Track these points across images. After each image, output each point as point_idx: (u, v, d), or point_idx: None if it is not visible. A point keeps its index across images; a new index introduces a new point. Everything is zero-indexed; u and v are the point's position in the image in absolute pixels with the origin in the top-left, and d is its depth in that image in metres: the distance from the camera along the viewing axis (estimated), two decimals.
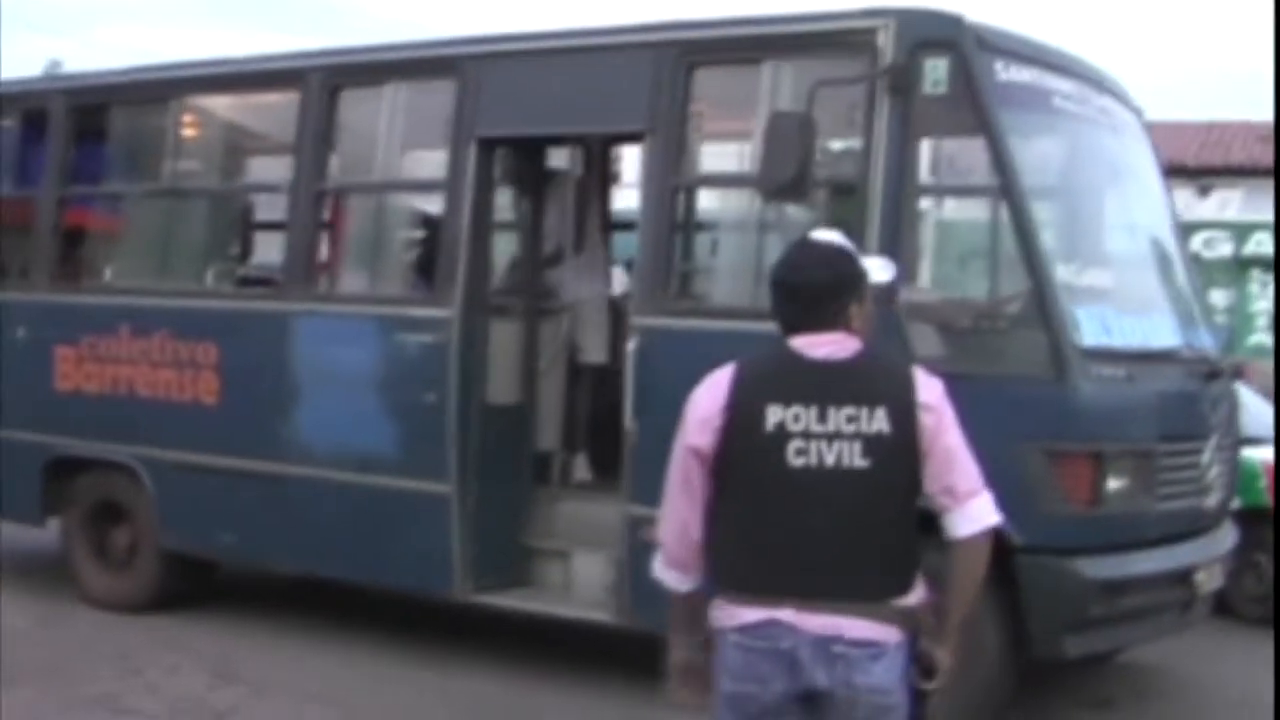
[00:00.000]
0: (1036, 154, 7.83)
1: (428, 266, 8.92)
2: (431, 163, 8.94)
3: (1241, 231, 21.71)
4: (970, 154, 7.40)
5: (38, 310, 10.13)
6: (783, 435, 3.87)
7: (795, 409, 3.87)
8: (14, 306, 10.21)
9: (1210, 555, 8.00)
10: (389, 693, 8.10)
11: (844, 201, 7.62)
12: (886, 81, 7.23)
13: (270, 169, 9.86)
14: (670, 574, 4.15)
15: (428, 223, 9.10)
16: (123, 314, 9.68)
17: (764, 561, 3.93)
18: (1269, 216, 21.02)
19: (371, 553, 8.70)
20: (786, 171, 7.07)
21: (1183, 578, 7.69)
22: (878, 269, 4.26)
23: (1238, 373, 8.79)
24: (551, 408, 8.97)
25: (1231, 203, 21.70)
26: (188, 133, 10.04)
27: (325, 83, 9.03)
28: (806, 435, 3.85)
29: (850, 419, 3.86)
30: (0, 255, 10.66)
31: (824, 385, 3.90)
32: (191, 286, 9.98)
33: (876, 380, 3.95)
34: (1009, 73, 7.44)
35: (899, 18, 7.30)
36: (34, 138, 10.34)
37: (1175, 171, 21.96)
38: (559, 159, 9.61)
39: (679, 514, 4.08)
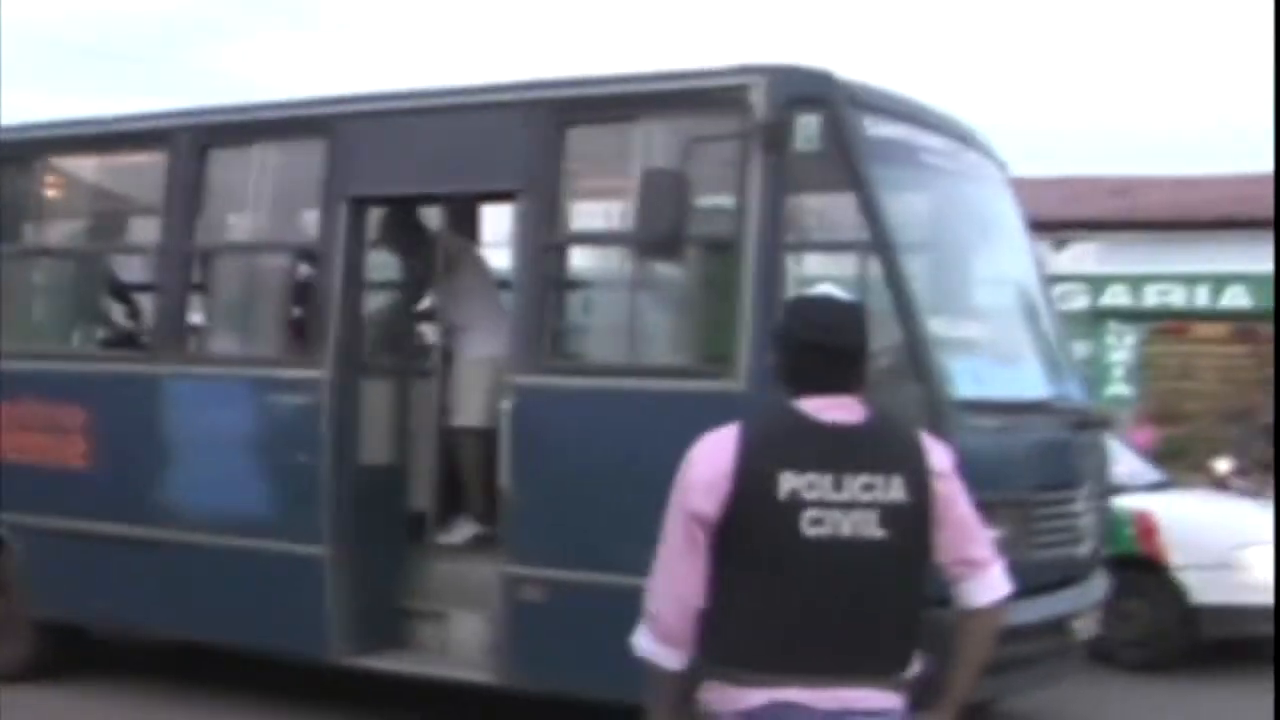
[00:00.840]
0: (906, 208, 7.92)
1: (299, 327, 8.85)
2: (303, 223, 8.89)
3: (1097, 284, 22.24)
4: (842, 209, 7.43)
5: None
6: (797, 504, 3.67)
7: (810, 476, 3.68)
8: None
9: (1085, 603, 8.13)
10: None
11: (718, 257, 7.67)
12: (759, 138, 7.29)
13: (140, 230, 9.71)
14: (662, 650, 3.89)
15: (299, 283, 9.02)
16: None
17: (771, 639, 3.73)
18: (1123, 269, 21.53)
19: (245, 616, 8.61)
20: (662, 227, 7.15)
21: (1059, 626, 7.80)
22: None
23: (1104, 423, 8.88)
24: (425, 468, 8.91)
25: (1087, 256, 22.12)
26: (52, 193, 9.96)
27: (193, 142, 8.99)
28: (822, 504, 3.67)
29: (866, 487, 3.70)
30: None
31: (839, 451, 3.73)
32: (57, 349, 9.85)
33: (891, 447, 3.81)
34: (878, 128, 7.54)
35: (771, 75, 7.38)
36: None
37: (1033, 226, 22.51)
38: (433, 218, 9.58)
39: (679, 584, 3.82)
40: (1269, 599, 10.43)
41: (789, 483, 3.65)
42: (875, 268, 7.25)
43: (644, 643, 3.91)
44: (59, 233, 10.07)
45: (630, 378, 7.66)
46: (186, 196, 8.97)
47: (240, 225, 9.21)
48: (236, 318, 9.28)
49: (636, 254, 7.52)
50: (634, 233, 7.32)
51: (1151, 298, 22.59)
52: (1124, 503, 10.79)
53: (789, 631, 3.69)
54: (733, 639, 3.76)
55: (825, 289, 4.13)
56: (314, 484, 8.29)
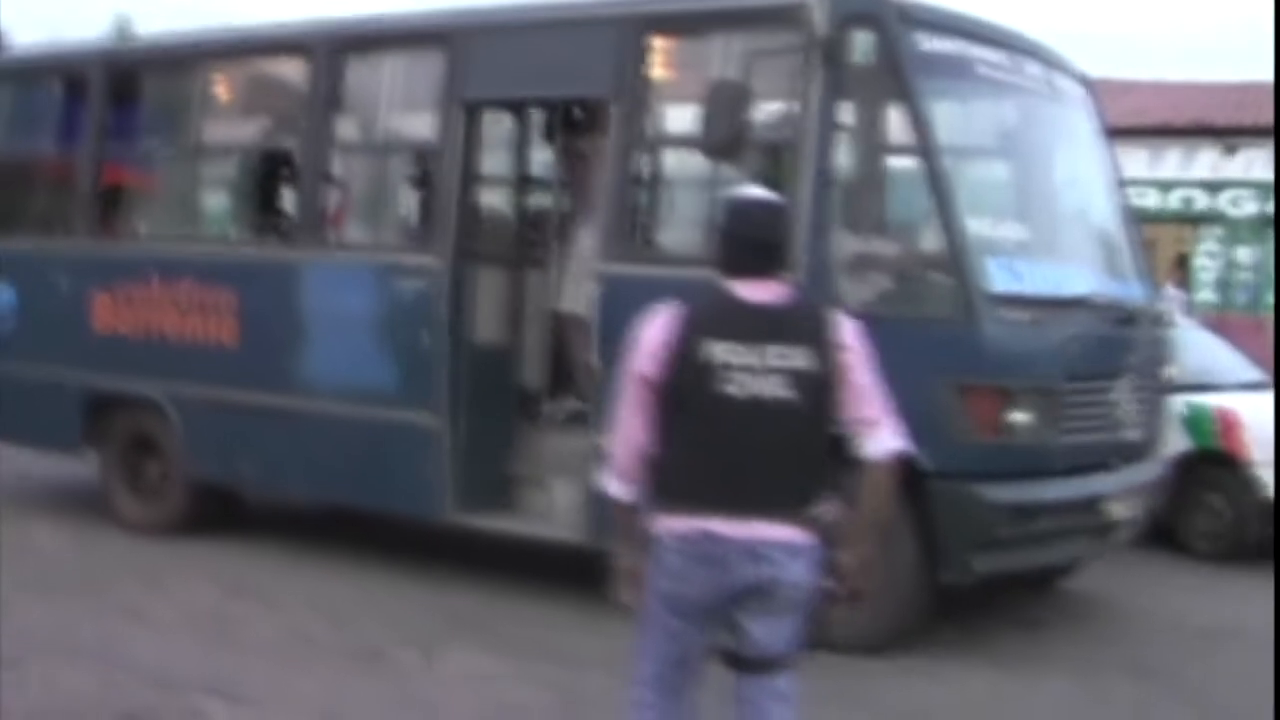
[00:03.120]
0: (956, 117, 8.57)
1: (422, 220, 9.75)
2: (425, 125, 9.70)
3: (1267, 190, 21.99)
4: (893, 117, 8.06)
5: (79, 259, 11.07)
6: (721, 368, 4.40)
7: (733, 345, 4.40)
8: (58, 256, 11.18)
9: (1123, 487, 8.68)
10: (379, 605, 8.94)
11: (780, 160, 8.40)
12: (818, 52, 7.97)
13: (285, 130, 10.69)
14: (618, 485, 4.66)
15: (423, 180, 9.90)
16: (152, 263, 10.60)
17: (699, 478, 4.47)
18: None
19: (370, 479, 9.57)
20: (723, 133, 7.83)
21: (1091, 505, 8.41)
22: None
23: (1158, 320, 9.40)
24: (536, 351, 9.74)
25: (1257, 162, 21.96)
26: (208, 97, 10.93)
27: (330, 51, 9.87)
28: (743, 369, 4.39)
29: (780, 356, 4.40)
30: (46, 209, 11.59)
31: (758, 326, 4.43)
32: (212, 237, 10.95)
33: (803, 322, 4.50)
34: (932, 44, 8.16)
35: None
36: (75, 101, 11.27)
37: (1202, 131, 22.53)
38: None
39: (628, 432, 4.59)
40: None
41: (714, 350, 4.43)
42: (921, 170, 7.94)
43: (606, 479, 4.74)
44: (214, 132, 11.06)
45: (702, 267, 8.33)
46: (324, 100, 9.87)
47: (371, 127, 10.09)
48: (367, 210, 10.21)
49: (702, 156, 8.23)
50: (699, 137, 8.02)
51: None
52: (1209, 399, 11.36)
53: (713, 473, 4.47)
54: (670, 477, 4.56)
55: (753, 190, 4.92)
56: (431, 360, 9.16)
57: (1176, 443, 10.96)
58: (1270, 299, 21.19)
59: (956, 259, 7.83)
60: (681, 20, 8.77)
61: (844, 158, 8.16)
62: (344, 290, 9.71)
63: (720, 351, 4.42)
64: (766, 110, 8.36)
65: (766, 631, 4.56)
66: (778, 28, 8.23)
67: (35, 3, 34.36)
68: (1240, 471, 11.13)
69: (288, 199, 10.16)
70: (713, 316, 4.51)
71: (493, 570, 9.53)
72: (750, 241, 4.57)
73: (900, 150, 8.07)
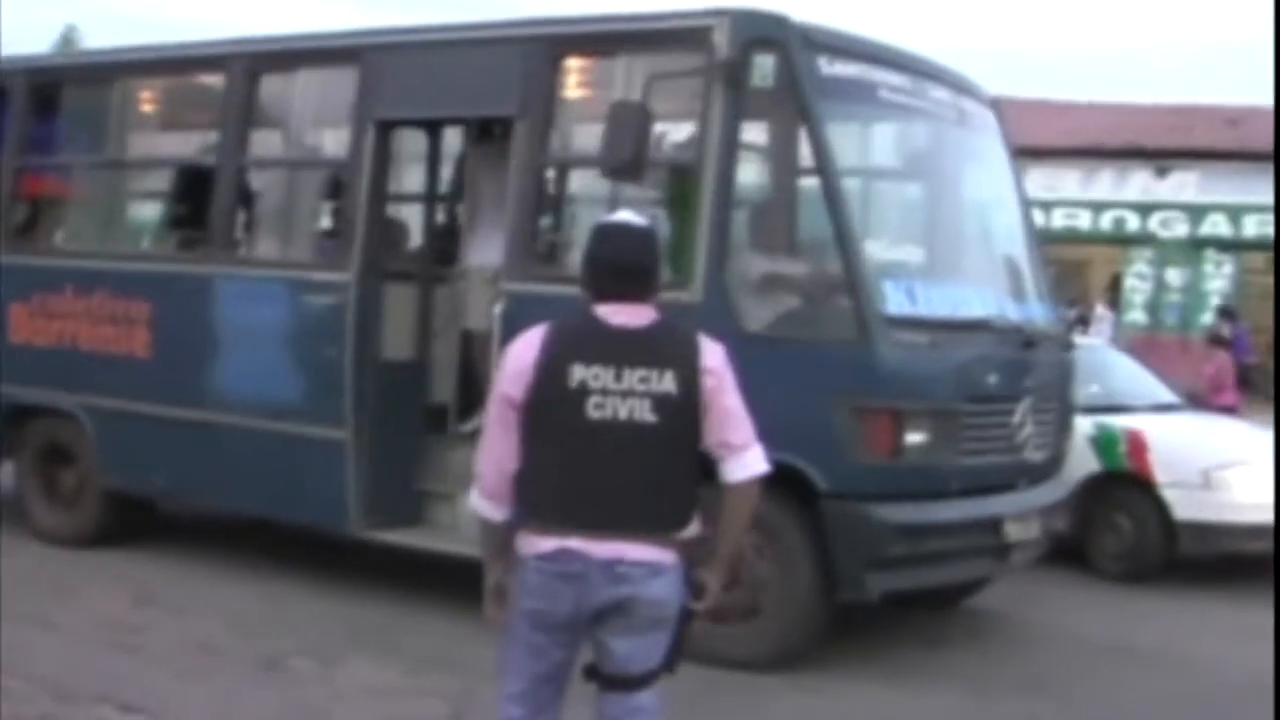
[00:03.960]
0: (858, 140, 8.71)
1: (332, 236, 9.83)
2: (336, 142, 9.83)
3: (1197, 213, 22.34)
4: (792, 140, 8.14)
5: None
6: (583, 391, 4.46)
7: (595, 369, 4.46)
8: None
9: (1023, 507, 8.80)
10: (284, 615, 9.02)
11: (681, 182, 8.51)
12: (720, 75, 8.08)
13: (200, 145, 10.76)
14: (485, 504, 4.71)
15: (334, 196, 9.97)
16: (68, 274, 10.63)
17: (561, 498, 4.54)
18: (1224, 199, 21.58)
19: (279, 492, 9.63)
20: (624, 153, 7.90)
21: (989, 526, 8.52)
22: None
23: (1062, 343, 9.54)
24: (445, 366, 9.82)
25: (1188, 185, 22.31)
26: (129, 111, 10.99)
27: (246, 68, 9.93)
28: (604, 392, 4.45)
29: (643, 379, 4.47)
30: None
31: (621, 349, 4.50)
32: (127, 250, 11.00)
33: (667, 346, 4.56)
34: (834, 67, 8.27)
35: (732, 17, 8.12)
36: None
37: (1134, 153, 22.83)
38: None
39: (495, 452, 4.64)
40: (1246, 518, 11.05)
41: (578, 373, 4.49)
42: (819, 193, 8.03)
43: (473, 499, 4.79)
44: (132, 146, 11.14)
45: None
46: (239, 116, 9.94)
47: (284, 143, 10.17)
48: (279, 225, 10.27)
49: (603, 176, 8.31)
50: (600, 157, 8.10)
51: (1251, 228, 22.63)
52: (1119, 420, 11.52)
53: (575, 493, 4.55)
54: (534, 497, 4.63)
55: (622, 215, 4.98)
56: (339, 375, 9.22)
57: (1086, 463, 11.15)
58: (1201, 320, 21.49)
59: (852, 281, 7.92)
60: (588, 41, 8.88)
61: (745, 180, 8.26)
62: (255, 304, 9.76)
63: (582, 374, 4.48)
64: (669, 131, 8.47)
65: (629, 649, 4.61)
66: (682, 50, 8.36)
67: None
68: (1147, 492, 11.24)
69: (202, 212, 10.15)
70: (577, 339, 4.57)
71: (401, 582, 9.58)
72: (614, 265, 4.63)
73: (800, 173, 8.12)
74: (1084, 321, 22.29)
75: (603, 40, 8.80)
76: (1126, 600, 10.67)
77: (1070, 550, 10.97)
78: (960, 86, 9.28)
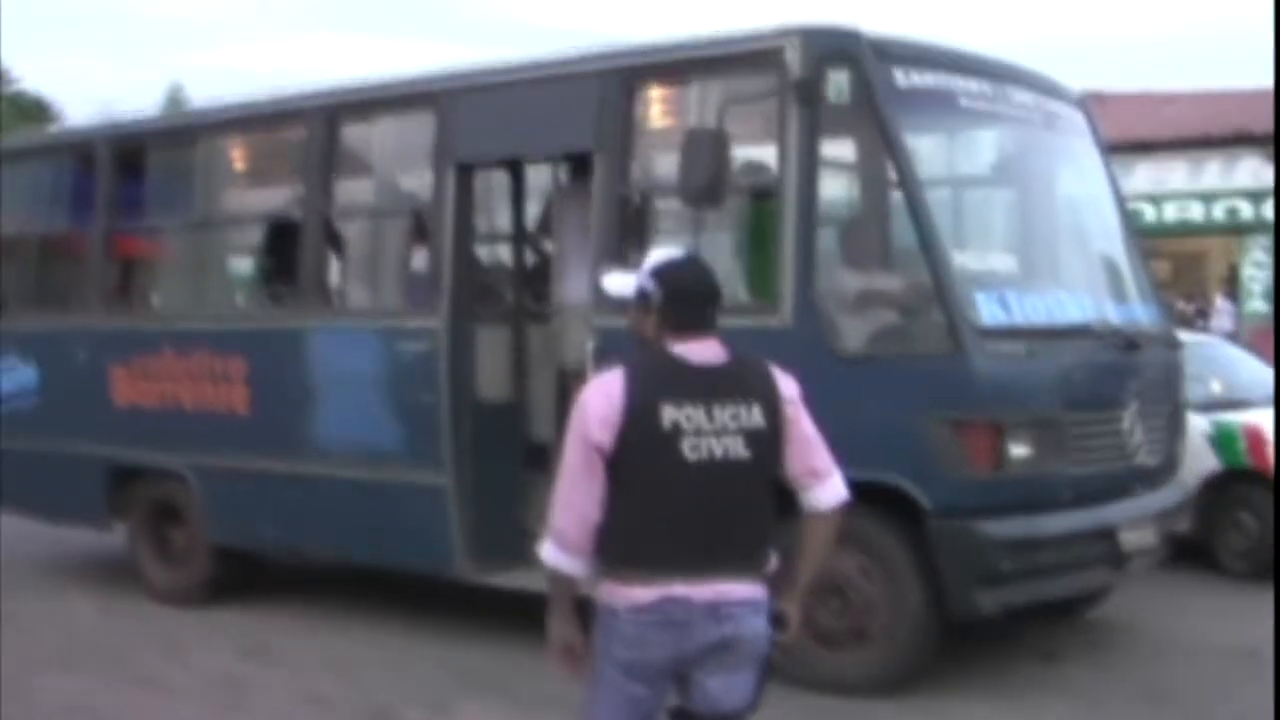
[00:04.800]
0: (940, 150, 8.55)
1: (421, 281, 9.81)
2: (419, 186, 9.82)
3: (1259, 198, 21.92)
4: (873, 155, 8.03)
5: (94, 334, 11.20)
6: (677, 432, 4.33)
7: (686, 409, 4.34)
8: (76, 332, 11.32)
9: (1138, 514, 8.58)
10: (392, 663, 8.99)
11: (763, 204, 8.40)
12: (795, 94, 7.98)
13: (286, 198, 10.82)
14: (564, 558, 4.49)
15: (420, 240, 9.96)
16: (165, 335, 10.73)
17: (659, 545, 4.38)
18: None
19: (384, 539, 9.64)
20: (702, 179, 7.84)
21: (1102, 535, 8.30)
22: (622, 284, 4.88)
23: (1169, 343, 9.32)
24: (543, 404, 9.76)
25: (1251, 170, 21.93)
26: (213, 167, 11.06)
27: (325, 118, 9.96)
28: (698, 432, 4.34)
29: (734, 416, 4.38)
30: (63, 286, 11.74)
31: (708, 386, 4.39)
32: (222, 309, 11.06)
33: (749, 379, 4.47)
34: (909, 79, 8.14)
35: (804, 35, 8.02)
36: (85, 178, 11.42)
37: (1242, 139, 22.40)
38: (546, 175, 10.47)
39: (580, 503, 4.43)
40: None
41: (670, 415, 4.35)
42: (904, 206, 7.90)
43: (549, 552, 4.57)
44: (219, 203, 11.24)
45: None
46: (321, 166, 9.97)
47: (367, 191, 10.18)
48: (367, 273, 10.27)
49: (683, 203, 8.22)
50: (679, 185, 8.02)
51: None
52: (1236, 417, 11.25)
53: (673, 538, 4.40)
54: (626, 545, 4.45)
55: (673, 252, 4.89)
56: (436, 420, 9.21)
57: (1205, 462, 10.91)
58: None
59: (943, 294, 7.78)
60: (660, 69, 8.78)
61: (828, 198, 8.16)
62: (348, 354, 9.79)
63: (674, 415, 4.37)
64: (748, 154, 8.37)
65: (723, 687, 4.50)
66: (755, 71, 8.26)
67: (88, 78, 35.07)
68: (1270, 488, 10.94)
69: (291, 265, 10.18)
70: (661, 379, 4.44)
71: (510, 625, 9.51)
72: (695, 297, 4.52)
73: (883, 187, 8.00)
74: (1203, 315, 21.91)
75: (676, 67, 8.72)
76: (1253, 601, 10.36)
77: (1195, 552, 10.73)
78: (1044, 88, 9.10)
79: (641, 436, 4.37)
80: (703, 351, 4.47)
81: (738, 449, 4.40)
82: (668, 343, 4.50)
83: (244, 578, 10.85)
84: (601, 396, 4.44)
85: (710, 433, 4.37)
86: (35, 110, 34.66)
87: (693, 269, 4.65)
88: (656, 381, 4.43)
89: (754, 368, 4.56)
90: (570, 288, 9.60)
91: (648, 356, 4.57)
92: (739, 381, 4.47)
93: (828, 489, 4.59)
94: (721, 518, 4.43)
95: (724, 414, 4.39)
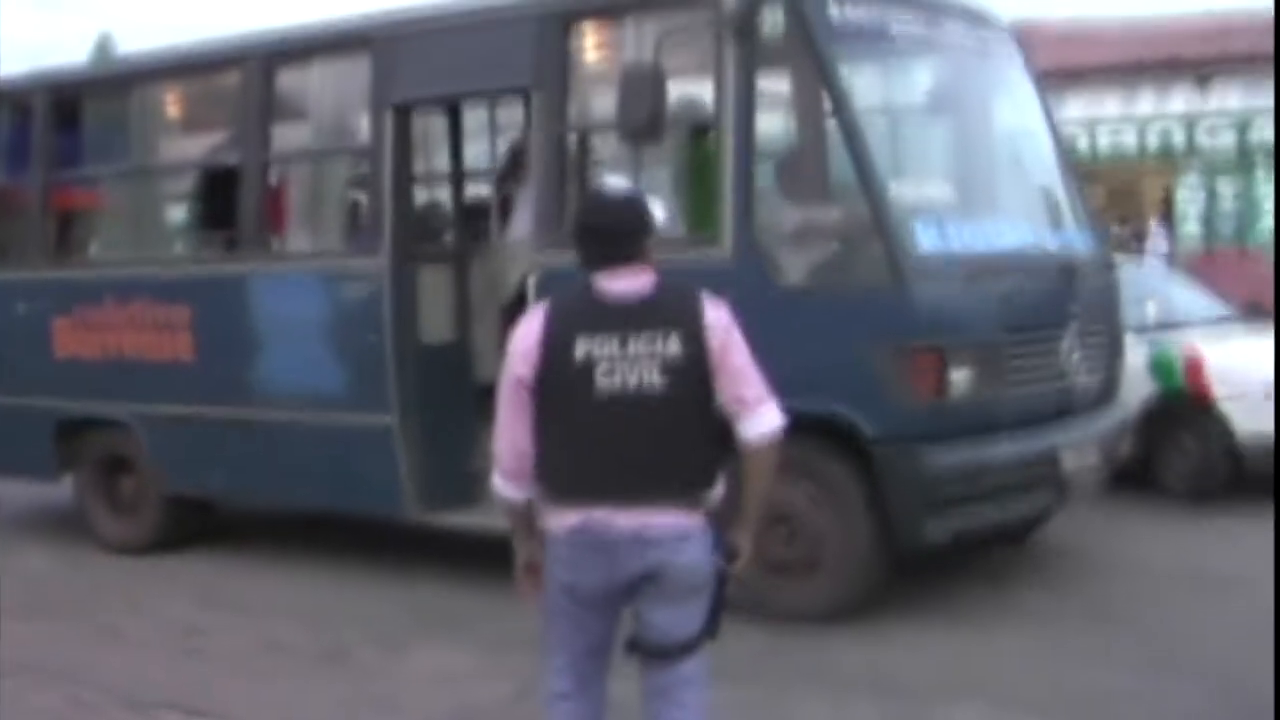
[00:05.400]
0: (875, 82, 8.60)
1: (361, 224, 9.83)
2: (358, 129, 9.84)
3: (1243, 121, 21.99)
4: (807, 87, 8.04)
5: (35, 286, 11.17)
6: (590, 362, 4.45)
7: (599, 339, 4.46)
8: (15, 284, 11.29)
9: (1078, 437, 8.70)
10: (349, 605, 9.06)
11: (701, 139, 8.44)
12: (730, 29, 8.01)
13: (224, 144, 10.80)
14: (507, 485, 4.73)
15: (360, 183, 9.97)
16: (106, 284, 10.71)
17: (581, 472, 4.53)
18: (1269, 104, 21.16)
19: (331, 483, 9.68)
20: (640, 115, 7.86)
21: (1045, 458, 8.40)
22: (656, 208, 4.97)
23: (1104, 266, 9.41)
24: (490, 344, 9.78)
25: (1232, 94, 21.95)
26: (150, 116, 11.02)
27: (261, 64, 9.93)
28: (610, 360, 4.45)
29: (648, 344, 4.45)
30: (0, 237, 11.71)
31: (624, 317, 4.48)
32: (164, 255, 11.05)
33: (669, 309, 4.52)
34: (843, 12, 8.16)
35: None
36: (22, 129, 11.36)
37: (1174, 65, 22.47)
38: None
39: (511, 433, 4.65)
40: None
41: (583, 346, 4.48)
42: (840, 138, 7.94)
43: (495, 481, 4.79)
44: (157, 151, 11.17)
45: None
46: (259, 111, 9.94)
47: (306, 134, 10.15)
48: (308, 217, 10.27)
49: (620, 139, 8.26)
50: (616, 121, 8.05)
51: None
52: (1174, 340, 11.37)
53: (594, 465, 4.53)
54: (554, 473, 4.62)
55: (606, 181, 4.97)
56: (380, 361, 9.24)
57: (1144, 385, 11.02)
58: (1257, 228, 21.18)
59: (881, 223, 7.83)
60: (596, 7, 8.82)
61: (765, 132, 8.18)
62: (291, 298, 9.79)
63: (587, 346, 4.47)
64: (685, 90, 8.40)
65: (666, 618, 4.59)
66: (691, 7, 8.27)
67: (17, 30, 34.67)
68: (1208, 411, 11.08)
69: (232, 212, 10.16)
70: (578, 311, 4.56)
71: (464, 566, 9.58)
72: (604, 232, 4.61)
73: (819, 120, 7.98)
74: (1139, 239, 22.06)
75: (611, 5, 8.74)
76: (1195, 524, 10.54)
77: (1137, 475, 10.85)
78: (976, 18, 9.15)
79: (557, 368, 4.51)
80: (623, 284, 4.55)
81: (651, 378, 4.46)
82: (590, 276, 4.60)
83: (196, 526, 10.87)
84: (524, 332, 4.61)
85: (623, 361, 4.46)
86: None
87: (607, 203, 4.78)
88: (572, 315, 4.56)
89: (678, 297, 4.60)
90: (513, 224, 9.63)
91: (569, 291, 4.70)
92: (657, 312, 4.52)
93: (757, 418, 4.60)
94: (639, 446, 4.51)
95: (638, 344, 4.46)
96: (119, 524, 10.95)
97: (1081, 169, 10.70)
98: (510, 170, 10.52)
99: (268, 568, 10.20)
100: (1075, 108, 21.65)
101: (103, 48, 33.74)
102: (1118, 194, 23.07)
